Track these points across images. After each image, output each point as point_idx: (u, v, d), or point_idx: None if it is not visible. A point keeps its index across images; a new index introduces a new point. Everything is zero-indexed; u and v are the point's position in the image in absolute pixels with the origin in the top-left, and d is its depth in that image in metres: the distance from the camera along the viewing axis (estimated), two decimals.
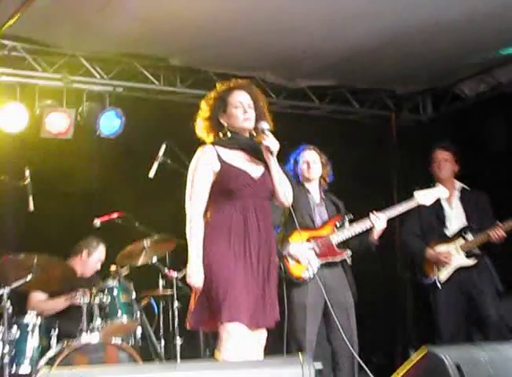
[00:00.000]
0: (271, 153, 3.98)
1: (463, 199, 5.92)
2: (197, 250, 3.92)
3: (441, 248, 5.79)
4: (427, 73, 7.71)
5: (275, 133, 7.26)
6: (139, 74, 7.13)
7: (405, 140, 8.43)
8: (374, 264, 5.51)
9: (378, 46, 6.80)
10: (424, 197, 5.36)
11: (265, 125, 4.02)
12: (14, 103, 6.57)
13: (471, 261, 5.74)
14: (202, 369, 2.54)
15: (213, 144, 4.08)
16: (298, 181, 5.39)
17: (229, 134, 4.08)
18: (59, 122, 6.78)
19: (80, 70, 7.00)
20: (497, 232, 5.60)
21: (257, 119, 4.06)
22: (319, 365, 2.41)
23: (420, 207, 5.51)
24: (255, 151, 4.05)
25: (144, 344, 5.77)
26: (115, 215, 5.93)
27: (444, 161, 5.99)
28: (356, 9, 6.11)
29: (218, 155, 4.01)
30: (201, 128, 4.18)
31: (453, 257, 5.75)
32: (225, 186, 3.97)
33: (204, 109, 4.16)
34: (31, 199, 5.53)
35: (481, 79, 7.86)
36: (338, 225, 5.31)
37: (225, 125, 4.09)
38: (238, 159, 4.04)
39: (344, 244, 5.28)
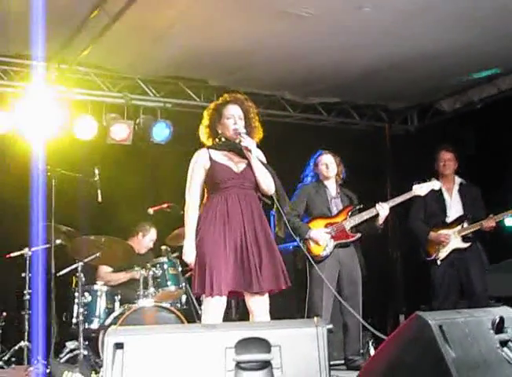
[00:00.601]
0: (250, 151, 3.90)
1: (461, 191, 5.82)
2: (191, 233, 3.89)
3: (442, 231, 5.73)
4: (414, 92, 7.66)
5: (292, 139, 7.30)
6: (184, 92, 7.13)
7: (396, 146, 8.40)
8: (369, 243, 5.50)
9: (376, 71, 6.78)
10: (420, 189, 5.35)
11: (241, 129, 3.94)
12: (86, 116, 6.63)
13: (465, 245, 5.66)
14: (233, 328, 2.55)
15: (208, 147, 4.05)
16: (317, 179, 5.47)
17: (223, 139, 4.03)
18: (121, 131, 6.82)
19: (137, 90, 7.04)
20: (489, 223, 5.53)
21: (246, 128, 3.98)
22: (330, 326, 2.43)
23: (425, 198, 5.52)
24: (240, 151, 3.98)
25: (188, 308, 5.80)
26: (164, 205, 5.95)
27: (448, 160, 5.86)
28: (357, 40, 6.13)
29: (210, 156, 3.98)
30: (202, 134, 4.13)
31: (451, 239, 5.68)
32: (214, 180, 3.94)
33: (205, 118, 4.12)
34: (99, 192, 5.57)
35: (458, 98, 7.79)
36: (350, 213, 5.34)
37: (220, 132, 4.04)
38: (225, 158, 3.99)
39: (356, 228, 5.32)
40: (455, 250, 5.69)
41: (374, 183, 7.76)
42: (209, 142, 4.11)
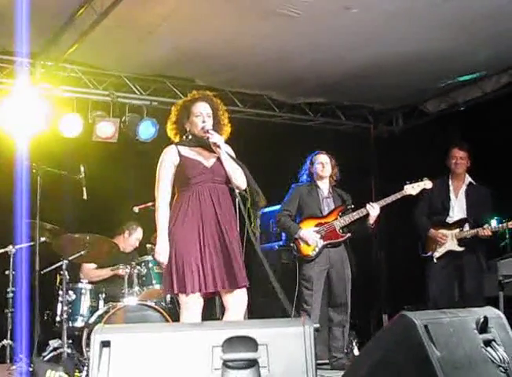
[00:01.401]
0: (218, 147, 3.85)
1: (468, 192, 5.76)
2: (163, 232, 3.82)
3: (441, 231, 5.70)
4: (399, 94, 7.70)
5: (278, 139, 7.30)
6: (170, 91, 7.10)
7: (381, 147, 8.43)
8: (354, 243, 5.52)
9: (362, 72, 6.81)
10: (412, 189, 5.38)
11: (209, 126, 3.88)
12: (71, 113, 6.60)
13: (460, 249, 5.63)
14: (220, 327, 2.55)
15: (176, 144, 3.98)
16: (311, 179, 5.48)
17: (190, 137, 3.97)
18: (106, 129, 6.79)
19: (123, 88, 7.01)
20: (485, 232, 5.51)
21: (214, 125, 3.94)
22: (317, 325, 2.44)
23: (432, 194, 5.55)
24: (209, 147, 3.91)
25: (172, 306, 5.79)
26: (149, 203, 5.91)
27: (461, 159, 5.76)
28: (344, 41, 6.15)
29: (178, 152, 3.90)
30: (169, 130, 4.07)
31: (448, 241, 5.66)
32: (184, 175, 3.87)
33: (172, 114, 4.05)
34: (84, 189, 5.52)
35: (442, 99, 7.84)
36: (341, 214, 5.36)
37: (188, 130, 3.97)
38: (194, 153, 3.92)
39: (347, 228, 5.34)
40: (449, 252, 5.67)
41: (359, 183, 7.75)
42: (176, 139, 4.04)
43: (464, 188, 5.81)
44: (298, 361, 2.38)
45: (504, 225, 5.49)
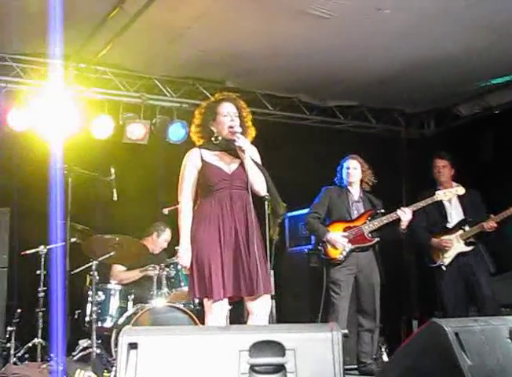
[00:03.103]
0: (243, 151, 3.82)
1: (460, 197, 5.77)
2: (185, 235, 3.82)
3: (444, 238, 5.70)
4: (431, 96, 7.62)
5: (309, 142, 7.26)
6: (200, 93, 7.10)
7: (412, 150, 8.34)
8: (384, 248, 5.47)
9: (394, 75, 6.76)
10: (443, 195, 5.40)
11: (237, 127, 3.85)
12: (103, 115, 6.65)
13: (469, 248, 5.64)
14: (247, 331, 2.53)
15: (199, 147, 3.96)
16: (342, 183, 5.46)
17: (216, 139, 3.93)
18: (137, 131, 6.84)
19: (154, 90, 7.05)
20: (489, 223, 5.51)
21: (240, 126, 3.90)
22: (345, 331, 2.41)
23: (425, 207, 5.48)
24: (232, 151, 3.89)
25: (201, 309, 5.79)
26: (179, 206, 5.94)
27: (443, 167, 5.87)
28: (376, 43, 6.10)
29: (201, 156, 3.89)
30: (193, 134, 4.04)
31: (454, 244, 5.65)
32: (205, 181, 3.85)
33: (197, 117, 4.01)
34: (114, 191, 5.56)
35: (475, 102, 7.74)
36: (370, 218, 5.32)
37: (215, 131, 3.93)
38: (216, 159, 3.89)
39: (377, 233, 5.29)
40: (459, 255, 5.65)
41: (390, 187, 7.70)
42: (200, 143, 4.02)
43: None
44: (326, 367, 2.35)
45: (507, 211, 5.47)
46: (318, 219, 5.35)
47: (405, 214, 5.20)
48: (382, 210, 5.34)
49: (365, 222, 5.30)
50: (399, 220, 5.21)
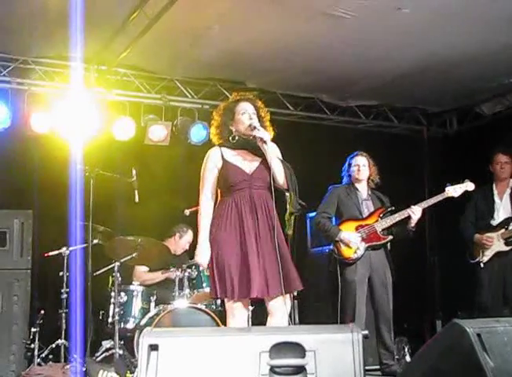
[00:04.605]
0: (265, 143, 3.79)
1: None
2: (204, 234, 3.81)
3: (487, 235, 5.64)
4: (453, 95, 7.57)
5: (330, 142, 7.23)
6: (221, 94, 7.11)
7: (434, 150, 8.30)
8: (407, 248, 5.43)
9: (414, 73, 6.71)
10: (454, 191, 5.26)
11: (255, 122, 3.83)
12: (124, 117, 6.69)
13: (507, 248, 5.56)
14: (268, 332, 2.53)
15: (220, 145, 3.95)
16: (350, 181, 5.41)
17: (235, 138, 3.91)
18: (159, 132, 6.86)
19: (175, 91, 7.08)
20: None
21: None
22: (365, 331, 2.40)
23: (477, 200, 5.48)
24: (254, 149, 3.87)
25: (223, 310, 5.80)
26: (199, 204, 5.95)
27: (505, 163, 5.76)
28: (396, 42, 6.08)
29: (222, 155, 3.88)
30: (212, 135, 4.03)
31: (494, 242, 5.59)
32: (225, 181, 3.83)
33: (215, 119, 4.01)
34: (136, 192, 5.59)
35: (498, 101, 7.66)
36: (382, 216, 5.27)
37: (233, 130, 3.92)
38: (237, 158, 3.88)
39: (388, 231, 5.25)
40: (497, 254, 5.59)
41: (413, 186, 7.68)
42: (219, 143, 4.00)
43: (508, 191, 5.78)
44: (347, 368, 2.35)
45: None
46: (328, 219, 5.30)
47: (415, 212, 5.16)
48: (393, 208, 5.29)
49: (377, 220, 5.24)
50: (409, 218, 5.17)
